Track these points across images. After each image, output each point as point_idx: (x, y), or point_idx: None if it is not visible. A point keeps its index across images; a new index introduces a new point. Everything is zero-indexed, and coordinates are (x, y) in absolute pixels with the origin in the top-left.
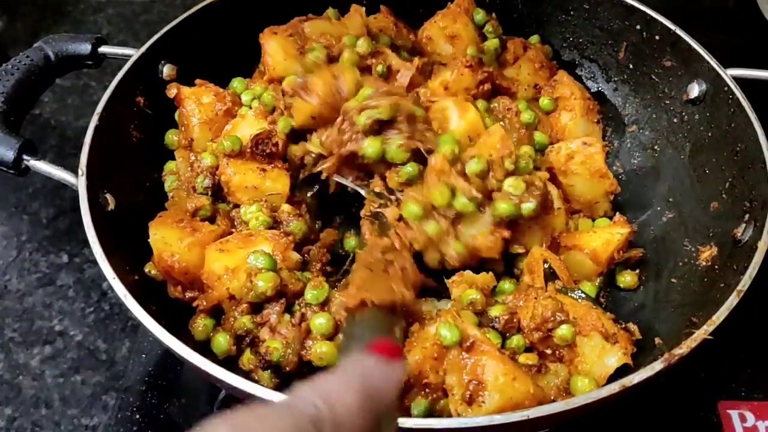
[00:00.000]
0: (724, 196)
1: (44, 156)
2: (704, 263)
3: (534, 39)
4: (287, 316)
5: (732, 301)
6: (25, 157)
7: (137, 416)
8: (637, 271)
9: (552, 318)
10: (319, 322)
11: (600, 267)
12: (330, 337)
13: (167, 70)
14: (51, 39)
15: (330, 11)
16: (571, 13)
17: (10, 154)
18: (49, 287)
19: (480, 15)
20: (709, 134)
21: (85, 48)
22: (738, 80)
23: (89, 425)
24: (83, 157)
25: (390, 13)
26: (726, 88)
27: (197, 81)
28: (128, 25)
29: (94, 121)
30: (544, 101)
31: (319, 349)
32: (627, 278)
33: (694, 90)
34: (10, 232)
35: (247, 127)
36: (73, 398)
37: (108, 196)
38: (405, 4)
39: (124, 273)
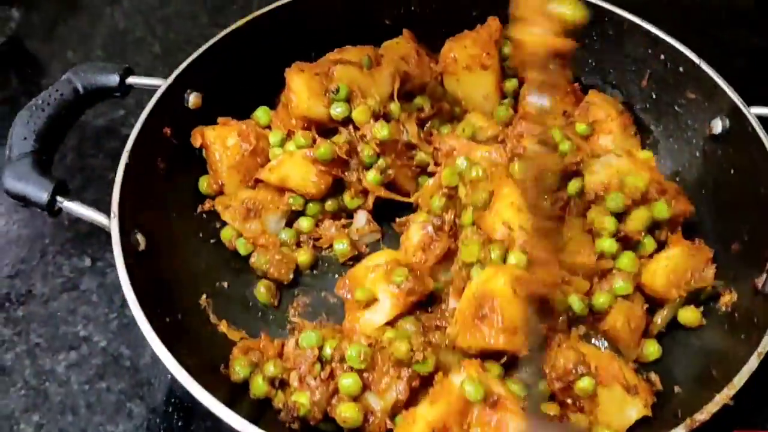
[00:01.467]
0: (745, 238)
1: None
2: (724, 308)
3: None
4: (318, 367)
5: (752, 363)
6: (58, 198)
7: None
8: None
9: (574, 370)
10: (347, 382)
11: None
12: (356, 398)
13: (193, 99)
14: (80, 70)
15: (364, 59)
16: (594, 38)
17: (44, 197)
18: (72, 292)
19: (509, 48)
20: (732, 172)
21: (114, 79)
22: (763, 119)
23: None
24: (115, 198)
25: (412, 38)
26: (750, 129)
27: (220, 120)
28: (144, 18)
29: (123, 159)
30: (581, 127)
31: (343, 413)
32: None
33: (718, 126)
34: (34, 234)
35: (291, 167)
36: (99, 405)
37: (139, 236)
38: (428, 26)
39: (155, 317)
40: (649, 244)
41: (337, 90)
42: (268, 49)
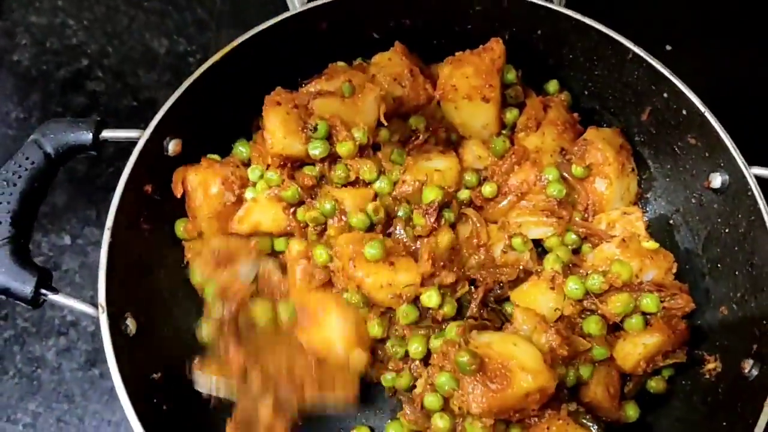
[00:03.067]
0: (734, 306)
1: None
2: (707, 376)
3: (553, 85)
4: None
5: None
6: (42, 291)
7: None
8: None
9: None
10: None
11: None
12: None
13: (173, 146)
14: (48, 131)
15: (344, 86)
16: (596, 62)
17: (27, 290)
18: (54, 272)
19: (511, 74)
20: (726, 231)
21: (86, 137)
22: (762, 181)
23: (113, 420)
24: (101, 290)
25: (405, 53)
26: (749, 192)
27: (203, 160)
28: None
29: (106, 238)
30: (578, 170)
31: None
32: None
33: (717, 180)
34: None
35: (260, 212)
36: (94, 393)
37: (129, 320)
38: (421, 40)
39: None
40: (637, 324)
41: (316, 128)
42: (249, 78)
